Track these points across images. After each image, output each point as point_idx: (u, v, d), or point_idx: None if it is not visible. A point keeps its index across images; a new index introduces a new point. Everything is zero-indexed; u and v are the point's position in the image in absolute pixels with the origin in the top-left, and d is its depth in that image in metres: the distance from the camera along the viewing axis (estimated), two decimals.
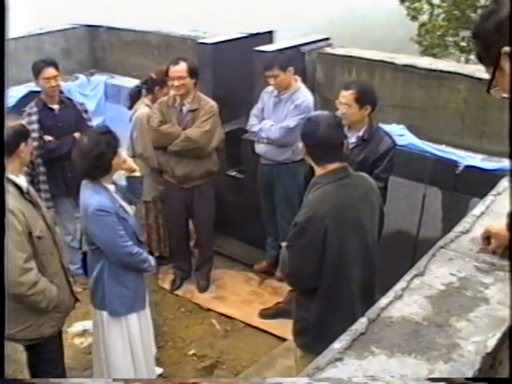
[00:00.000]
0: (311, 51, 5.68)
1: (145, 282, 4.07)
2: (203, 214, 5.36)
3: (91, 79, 7.59)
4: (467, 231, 2.23)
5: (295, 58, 5.25)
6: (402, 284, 1.91)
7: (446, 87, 4.98)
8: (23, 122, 3.43)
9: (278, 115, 5.01)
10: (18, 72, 5.97)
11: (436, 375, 1.51)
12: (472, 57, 12.14)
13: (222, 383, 3.07)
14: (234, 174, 5.97)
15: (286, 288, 5.20)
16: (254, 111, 5.17)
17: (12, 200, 3.18)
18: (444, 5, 14.50)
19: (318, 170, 3.14)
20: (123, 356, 3.96)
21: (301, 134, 3.18)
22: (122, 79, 7.51)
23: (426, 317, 1.75)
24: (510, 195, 1.95)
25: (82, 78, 7.52)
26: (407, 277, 1.95)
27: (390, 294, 1.85)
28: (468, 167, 4.75)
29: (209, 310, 5.37)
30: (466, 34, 12.78)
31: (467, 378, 1.50)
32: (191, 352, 4.86)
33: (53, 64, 5.07)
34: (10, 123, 3.20)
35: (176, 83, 4.85)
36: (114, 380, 3.60)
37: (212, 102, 5.04)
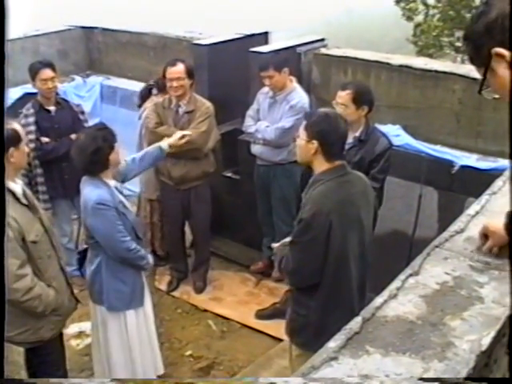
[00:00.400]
0: (307, 52, 5.69)
1: (143, 279, 4.08)
2: (200, 215, 5.36)
3: (87, 81, 7.58)
4: (462, 231, 2.24)
5: (291, 59, 5.25)
6: (396, 283, 1.92)
7: (442, 87, 5.00)
8: (16, 125, 3.39)
9: (273, 116, 5.02)
10: (14, 74, 5.95)
11: (431, 374, 1.51)
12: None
13: (218, 383, 3.07)
14: (230, 174, 5.97)
15: (282, 288, 5.22)
16: (250, 112, 5.18)
17: None
18: (439, 5, 14.57)
19: (321, 167, 3.14)
20: (122, 352, 3.99)
21: (319, 132, 3.09)
22: (117, 80, 7.51)
23: (420, 316, 1.75)
24: (510, 195, 1.95)
25: (78, 79, 7.51)
26: (402, 276, 1.95)
27: (385, 294, 1.86)
28: (463, 167, 4.76)
29: (205, 310, 5.37)
30: (461, 34, 12.81)
31: (465, 378, 1.50)
32: (188, 353, 4.86)
33: (50, 65, 5.08)
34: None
35: (175, 84, 4.85)
36: (112, 380, 3.60)
37: (208, 103, 5.05)
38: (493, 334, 1.66)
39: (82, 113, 5.43)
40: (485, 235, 2.12)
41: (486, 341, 1.63)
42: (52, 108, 5.17)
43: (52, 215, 5.27)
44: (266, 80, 4.87)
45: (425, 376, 1.50)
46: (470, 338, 1.65)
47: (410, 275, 1.96)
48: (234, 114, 5.74)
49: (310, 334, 3.22)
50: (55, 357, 3.76)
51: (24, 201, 3.32)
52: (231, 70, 5.55)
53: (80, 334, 4.98)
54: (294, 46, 5.65)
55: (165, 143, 4.34)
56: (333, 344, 1.63)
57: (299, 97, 4.92)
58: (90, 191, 3.65)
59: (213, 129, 5.08)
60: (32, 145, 4.80)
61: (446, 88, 4.97)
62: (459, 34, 13.34)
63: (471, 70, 4.72)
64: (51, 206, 5.25)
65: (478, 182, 3.53)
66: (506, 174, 2.68)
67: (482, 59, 1.66)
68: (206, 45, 5.61)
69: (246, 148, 5.35)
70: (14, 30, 6.70)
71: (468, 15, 13.15)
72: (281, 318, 4.68)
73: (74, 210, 5.59)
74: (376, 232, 4.09)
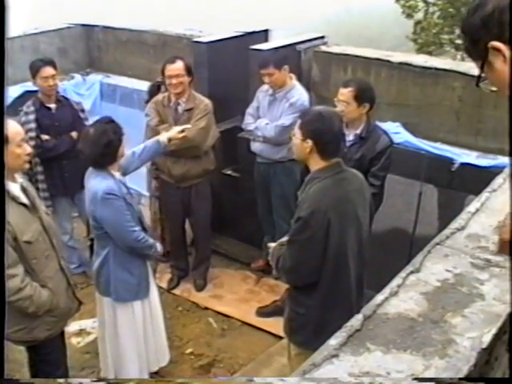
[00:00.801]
0: (307, 49, 5.68)
1: (149, 271, 4.14)
2: (200, 213, 5.36)
3: (87, 79, 7.57)
4: (462, 228, 2.24)
5: (290, 57, 5.25)
6: (397, 281, 1.92)
7: (442, 85, 4.99)
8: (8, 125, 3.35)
9: (273, 113, 5.01)
10: (14, 72, 5.95)
11: (432, 371, 1.51)
12: None
13: (213, 383, 3.07)
14: (230, 172, 5.97)
15: (282, 286, 5.21)
16: (250, 110, 5.18)
17: None
18: (439, 2, 14.55)
19: (317, 165, 3.14)
20: (132, 342, 4.09)
21: (313, 131, 3.10)
22: (117, 78, 7.50)
23: (421, 313, 1.75)
24: (510, 193, 1.95)
25: (78, 77, 7.50)
26: (403, 273, 1.95)
27: (386, 291, 1.86)
28: (463, 164, 4.76)
29: (206, 308, 5.38)
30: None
31: (462, 378, 1.50)
32: (188, 351, 4.87)
33: (51, 63, 5.08)
34: None
35: (174, 81, 4.85)
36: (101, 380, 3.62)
37: (207, 101, 5.04)
38: (494, 331, 1.66)
39: (83, 111, 5.44)
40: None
41: (487, 338, 1.63)
42: (52, 106, 5.18)
43: (52, 213, 5.27)
44: (266, 77, 4.87)
45: (426, 373, 1.50)
46: (471, 335, 1.65)
47: (411, 272, 1.96)
48: (234, 112, 5.74)
49: (309, 333, 3.23)
50: (55, 356, 3.74)
51: (23, 200, 3.26)
52: (231, 67, 5.55)
53: (81, 332, 4.99)
54: (293, 44, 5.64)
55: (163, 137, 4.38)
56: (334, 341, 1.62)
57: (299, 94, 4.92)
58: (99, 182, 3.70)
59: (211, 126, 5.08)
60: (32, 142, 4.79)
61: (446, 85, 4.97)
62: (459, 31, 13.32)
63: (471, 68, 4.73)
64: (51, 203, 5.25)
65: (478, 180, 3.52)
66: (506, 171, 2.68)
67: (478, 53, 1.65)
68: (206, 42, 5.61)
69: (246, 146, 5.35)
70: (13, 28, 6.69)
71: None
72: (281, 315, 4.66)
73: (74, 208, 5.60)
74: (376, 230, 4.10)
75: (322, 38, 5.88)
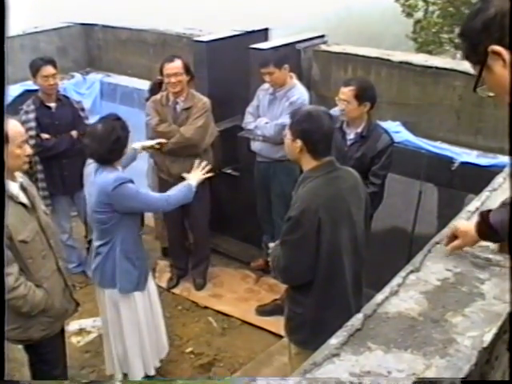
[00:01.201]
0: (307, 48, 5.68)
1: (148, 263, 4.20)
2: (199, 212, 5.35)
3: (87, 78, 7.57)
4: None
5: (291, 56, 5.25)
6: (397, 280, 1.92)
7: (442, 84, 4.99)
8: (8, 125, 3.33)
9: (273, 112, 5.01)
10: (14, 71, 5.95)
11: (432, 370, 1.51)
12: None
13: None
14: (229, 171, 5.96)
15: (282, 285, 5.19)
16: (250, 109, 5.17)
17: None
18: (439, 2, 14.55)
19: (308, 165, 3.14)
20: (135, 335, 4.12)
21: (302, 131, 3.11)
22: (117, 77, 7.50)
23: (422, 312, 1.76)
24: (510, 192, 1.95)
25: (78, 76, 7.50)
26: (403, 273, 1.96)
27: (386, 290, 1.86)
28: (463, 163, 4.76)
29: (206, 307, 5.38)
30: None
31: (461, 381, 1.50)
32: (188, 350, 4.86)
33: (51, 62, 5.08)
34: None
35: (173, 80, 4.84)
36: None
37: (205, 99, 5.04)
38: (494, 330, 1.66)
39: (83, 110, 5.43)
40: (454, 236, 2.10)
41: (488, 337, 1.63)
42: (52, 104, 5.17)
43: (51, 212, 5.26)
44: (266, 76, 4.87)
45: (427, 372, 1.50)
46: (472, 334, 1.65)
47: (411, 272, 1.96)
48: (234, 111, 5.73)
49: (308, 332, 3.22)
50: (52, 355, 3.71)
51: (21, 199, 3.23)
52: (231, 66, 5.54)
53: (80, 332, 4.99)
54: (293, 43, 5.64)
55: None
56: (334, 340, 1.63)
57: (299, 93, 4.91)
58: (106, 176, 3.72)
59: (210, 124, 5.07)
60: (32, 141, 4.79)
61: (446, 84, 4.97)
62: (458, 32, 13.35)
63: (471, 67, 4.73)
64: (51, 202, 5.24)
65: (478, 179, 3.53)
66: (506, 170, 2.68)
67: (478, 56, 1.65)
68: (205, 41, 5.60)
69: (246, 145, 5.34)
70: (13, 27, 6.68)
71: (468, 12, 13.15)
72: (281, 314, 4.65)
73: (73, 207, 5.60)
74: (376, 229, 4.10)
75: (322, 36, 5.88)
